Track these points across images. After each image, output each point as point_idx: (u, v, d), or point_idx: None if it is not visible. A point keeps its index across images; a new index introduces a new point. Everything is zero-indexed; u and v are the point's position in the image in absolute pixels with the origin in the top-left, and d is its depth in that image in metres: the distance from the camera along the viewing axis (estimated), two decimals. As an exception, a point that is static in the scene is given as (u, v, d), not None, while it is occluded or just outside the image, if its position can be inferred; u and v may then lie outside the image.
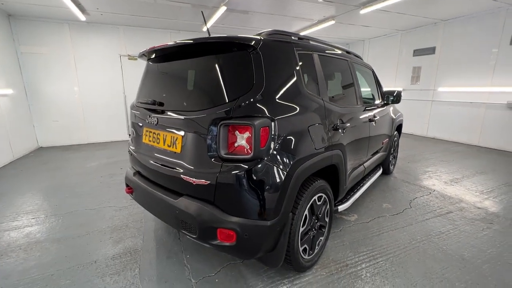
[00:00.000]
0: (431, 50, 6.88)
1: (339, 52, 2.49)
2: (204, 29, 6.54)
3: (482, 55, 5.83)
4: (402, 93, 3.42)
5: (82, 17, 5.49)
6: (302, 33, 7.43)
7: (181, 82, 1.85)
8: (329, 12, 5.75)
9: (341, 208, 2.37)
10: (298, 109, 1.67)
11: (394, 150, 4.06)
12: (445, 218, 2.77)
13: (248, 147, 1.43)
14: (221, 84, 1.55)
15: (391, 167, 4.14)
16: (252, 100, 1.47)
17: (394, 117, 3.73)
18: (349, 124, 2.23)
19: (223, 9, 4.99)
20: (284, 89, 1.63)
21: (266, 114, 1.47)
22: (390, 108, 3.66)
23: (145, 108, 1.98)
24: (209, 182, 1.49)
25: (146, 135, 1.99)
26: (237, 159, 1.45)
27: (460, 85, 6.31)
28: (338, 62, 2.43)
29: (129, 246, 2.30)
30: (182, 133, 1.65)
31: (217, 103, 1.50)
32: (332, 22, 6.11)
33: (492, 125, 5.82)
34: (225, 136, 1.46)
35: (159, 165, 1.82)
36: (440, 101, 6.81)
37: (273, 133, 1.48)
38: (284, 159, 1.53)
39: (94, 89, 6.54)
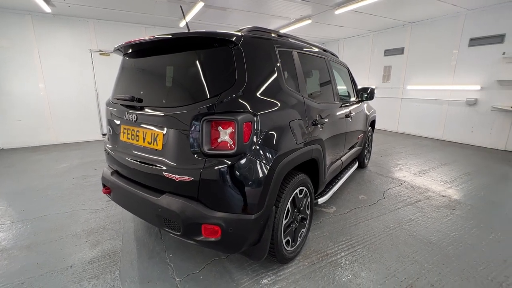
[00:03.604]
0: (400, 51, 7.30)
1: (317, 50, 2.58)
2: (181, 24, 6.39)
3: (445, 55, 6.30)
4: (375, 91, 3.60)
5: (47, 9, 5.11)
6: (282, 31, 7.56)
7: (160, 77, 1.81)
8: (306, 11, 5.88)
9: (321, 200, 2.46)
10: (279, 105, 1.72)
11: (368, 145, 4.28)
12: (415, 206, 2.99)
13: (231, 142, 1.45)
14: (202, 80, 1.54)
15: (366, 161, 4.36)
16: (234, 95, 1.48)
17: (368, 113, 3.92)
18: (327, 120, 2.32)
19: (200, 4, 4.91)
20: (266, 85, 1.66)
21: (248, 109, 1.49)
22: (364, 105, 3.85)
23: (122, 105, 1.91)
24: (192, 178, 1.49)
25: (124, 133, 1.92)
26: (221, 155, 1.46)
27: (426, 84, 6.78)
28: (316, 60, 2.51)
29: (108, 248, 2.22)
30: (163, 130, 1.62)
31: (199, 99, 1.50)
32: (309, 21, 6.26)
33: (454, 121, 6.33)
34: (208, 131, 1.46)
35: (139, 163, 1.77)
36: (408, 98, 7.27)
37: (255, 128, 1.50)
38: (267, 154, 1.56)
39: (62, 86, 6.13)
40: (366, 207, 2.98)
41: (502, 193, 3.38)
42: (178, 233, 1.57)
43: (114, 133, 2.05)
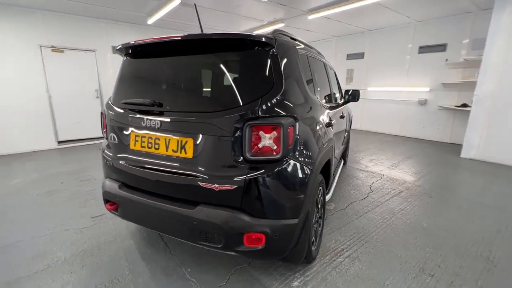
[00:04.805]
0: (361, 55, 7.99)
1: (318, 54, 2.68)
2: (150, 21, 5.96)
3: (399, 60, 7.10)
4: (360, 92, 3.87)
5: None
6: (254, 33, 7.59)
7: (189, 81, 1.67)
8: (279, 14, 6.03)
9: (327, 198, 2.57)
10: (309, 108, 1.74)
11: (348, 143, 4.59)
12: (400, 197, 3.31)
13: (275, 147, 1.42)
14: (241, 84, 1.48)
15: (347, 158, 4.67)
16: (275, 100, 1.46)
17: (350, 113, 4.21)
18: (334, 121, 2.43)
19: (176, 2, 4.65)
20: (298, 88, 1.67)
21: (289, 113, 1.48)
22: (347, 106, 4.12)
23: (135, 110, 1.72)
24: (235, 186, 1.42)
25: (137, 141, 1.73)
26: (265, 160, 1.43)
27: (384, 85, 7.54)
28: (319, 64, 2.60)
29: (113, 271, 1.97)
30: (193, 136, 1.51)
31: (240, 103, 1.43)
32: (282, 24, 6.43)
33: (409, 118, 7.18)
34: (251, 137, 1.41)
35: (163, 174, 1.62)
36: (370, 99, 7.99)
37: (296, 132, 1.50)
38: (307, 156, 1.58)
39: (3, 88, 5.18)
40: (360, 201, 3.19)
41: (459, 179, 3.96)
42: (218, 246, 1.48)
43: (120, 142, 1.83)
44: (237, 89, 1.49)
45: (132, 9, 5.48)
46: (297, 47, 1.87)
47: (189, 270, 1.98)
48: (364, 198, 3.26)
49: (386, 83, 7.50)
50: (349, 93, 3.80)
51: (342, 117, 3.09)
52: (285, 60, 1.59)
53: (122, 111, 1.79)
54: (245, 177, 1.41)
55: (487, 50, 4.65)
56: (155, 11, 5.37)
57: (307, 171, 1.55)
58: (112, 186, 1.86)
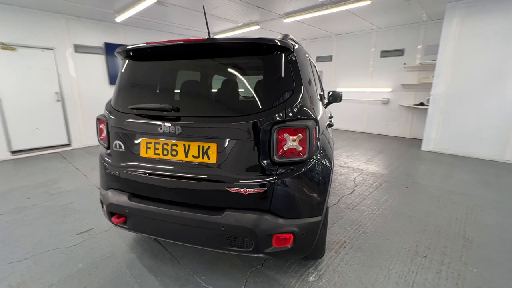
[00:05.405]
0: (329, 58, 8.47)
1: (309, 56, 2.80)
2: (119, 19, 5.56)
3: (364, 63, 7.70)
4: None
5: None
6: (227, 34, 7.53)
7: (210, 85, 1.63)
8: (255, 17, 6.11)
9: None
10: (319, 110, 1.83)
11: (328, 141, 4.86)
12: (381, 189, 3.62)
13: (301, 148, 1.47)
14: (266, 88, 1.51)
15: (327, 156, 4.94)
16: (297, 103, 1.51)
17: (331, 113, 4.45)
18: (331, 121, 2.57)
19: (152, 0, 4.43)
20: (311, 92, 1.74)
21: (311, 115, 1.54)
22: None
23: (144, 115, 1.63)
24: (265, 189, 1.44)
25: (149, 148, 1.64)
26: (292, 162, 1.47)
27: (351, 86, 8.11)
28: (313, 66, 2.72)
29: (120, 289, 1.83)
30: (218, 141, 1.49)
31: (266, 107, 1.45)
32: (257, 27, 6.52)
33: (374, 117, 7.82)
34: (278, 140, 1.44)
35: (182, 181, 1.56)
36: (339, 99, 8.50)
37: (318, 133, 1.58)
38: (326, 156, 1.66)
39: None
40: (348, 195, 3.42)
41: (425, 170, 4.47)
42: (248, 249, 1.48)
43: (128, 149, 1.71)
44: (263, 93, 1.51)
45: (100, 5, 5.06)
46: (304, 52, 1.95)
47: (203, 278, 1.93)
48: (351, 193, 3.50)
49: (353, 84, 8.07)
50: (330, 94, 4.02)
51: (331, 117, 3.27)
52: (301, 64, 1.65)
53: (130, 116, 1.67)
54: (274, 180, 1.44)
55: (440, 55, 5.30)
56: (126, 8, 5.04)
57: (328, 169, 1.64)
58: (119, 197, 1.73)
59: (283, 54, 1.54)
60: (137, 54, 1.75)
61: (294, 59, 1.57)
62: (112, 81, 6.39)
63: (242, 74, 1.62)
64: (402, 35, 6.84)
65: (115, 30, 6.31)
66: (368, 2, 4.66)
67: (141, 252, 2.24)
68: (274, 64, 1.53)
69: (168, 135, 1.56)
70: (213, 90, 1.67)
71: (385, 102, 7.43)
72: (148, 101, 1.65)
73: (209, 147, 1.51)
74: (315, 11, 5.24)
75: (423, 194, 3.42)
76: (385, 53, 7.24)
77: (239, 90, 1.62)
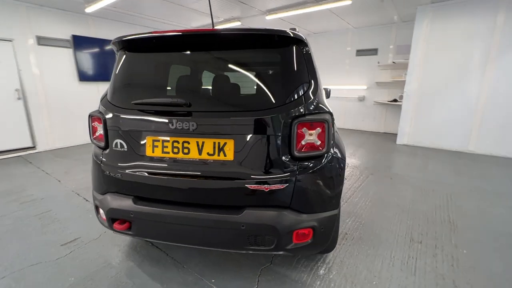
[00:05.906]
0: (308, 56, 8.64)
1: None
2: (89, 10, 5.10)
3: (341, 61, 7.99)
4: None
5: None
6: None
7: (225, 78, 1.54)
8: (236, 13, 6.01)
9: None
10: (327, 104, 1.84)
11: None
12: (369, 181, 3.78)
13: (319, 142, 1.46)
14: (284, 82, 1.46)
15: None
16: (314, 97, 1.50)
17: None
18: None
19: (130, -10, 4.13)
20: (321, 85, 1.74)
21: (327, 109, 1.54)
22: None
23: (149, 111, 1.50)
24: (286, 185, 1.41)
25: (157, 146, 1.52)
26: (312, 156, 1.45)
27: (329, 84, 8.35)
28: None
29: (123, 301, 1.68)
30: (234, 137, 1.42)
31: (285, 101, 1.42)
32: (239, 23, 6.42)
33: (351, 113, 8.17)
34: (298, 134, 1.41)
35: (196, 180, 1.47)
36: (317, 96, 8.73)
37: (335, 127, 1.58)
38: (340, 149, 1.68)
39: None
40: (340, 188, 3.52)
41: (403, 162, 4.77)
42: (269, 247, 1.44)
43: (131, 149, 1.56)
44: (281, 87, 1.47)
45: (66, -7, 4.61)
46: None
47: (213, 280, 1.86)
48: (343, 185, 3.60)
49: (330, 82, 8.33)
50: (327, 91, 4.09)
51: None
52: (312, 58, 1.64)
53: (133, 112, 1.53)
54: (295, 175, 1.41)
55: (412, 54, 5.68)
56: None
57: (343, 162, 1.66)
58: (122, 201, 1.58)
59: (299, 47, 1.52)
60: (138, 45, 1.61)
61: (309, 52, 1.56)
62: (81, 77, 5.86)
63: (257, 67, 1.57)
64: (376, 35, 7.20)
65: (84, 22, 5.79)
66: (349, 2, 4.81)
67: (140, 259, 2.08)
68: (290, 57, 1.50)
69: (181, 132, 1.45)
70: (228, 84, 1.59)
71: (361, 99, 7.79)
72: (154, 95, 1.52)
73: (225, 143, 1.44)
74: (297, 9, 5.29)
75: (406, 185, 3.64)
76: (360, 52, 7.57)
77: (257, 84, 1.56)
